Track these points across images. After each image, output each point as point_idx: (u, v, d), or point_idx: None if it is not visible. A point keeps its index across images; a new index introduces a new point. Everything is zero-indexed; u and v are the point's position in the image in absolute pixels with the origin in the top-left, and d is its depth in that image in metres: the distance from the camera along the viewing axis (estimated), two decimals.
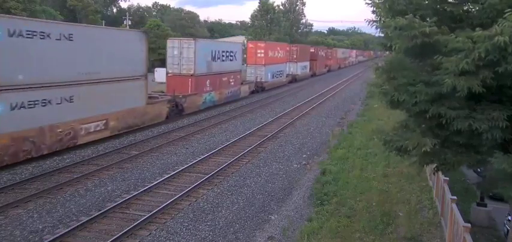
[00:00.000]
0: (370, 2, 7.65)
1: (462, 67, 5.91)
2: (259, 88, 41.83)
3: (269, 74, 43.79)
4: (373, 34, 8.57)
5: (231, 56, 33.44)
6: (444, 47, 6.34)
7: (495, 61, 5.85)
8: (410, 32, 6.37)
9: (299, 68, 56.56)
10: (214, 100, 30.58)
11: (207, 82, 29.23)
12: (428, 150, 6.64)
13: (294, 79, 53.75)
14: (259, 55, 42.32)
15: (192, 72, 27.42)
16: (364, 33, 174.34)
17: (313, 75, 65.11)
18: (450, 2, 7.39)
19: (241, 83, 36.61)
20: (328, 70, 77.83)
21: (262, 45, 43.83)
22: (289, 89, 46.14)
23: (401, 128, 8.16)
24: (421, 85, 6.69)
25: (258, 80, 41.87)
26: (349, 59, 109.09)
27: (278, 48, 47.81)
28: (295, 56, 55.03)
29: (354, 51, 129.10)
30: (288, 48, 52.81)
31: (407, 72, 7.21)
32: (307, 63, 61.50)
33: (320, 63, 70.00)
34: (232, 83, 33.79)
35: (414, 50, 6.64)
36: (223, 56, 31.64)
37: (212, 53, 29.88)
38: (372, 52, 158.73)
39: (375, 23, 7.60)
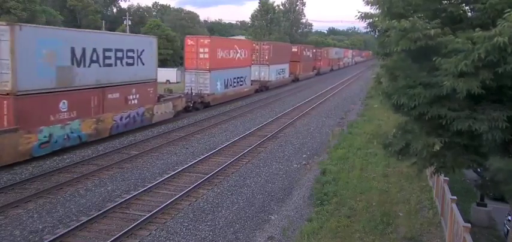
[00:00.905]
0: (362, 15, 7.66)
1: (461, 69, 5.90)
2: (198, 105, 29.57)
3: (218, 83, 31.74)
4: (372, 34, 8.57)
5: (130, 56, 21.10)
6: (445, 48, 6.34)
7: (495, 62, 5.85)
8: (413, 34, 6.35)
9: (273, 72, 45.04)
10: (80, 134, 17.95)
11: (61, 105, 16.92)
12: (437, 149, 6.63)
13: (263, 88, 42.76)
14: (202, 56, 30.25)
15: (8, 87, 14.81)
16: (364, 33, 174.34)
17: (295, 80, 54.11)
18: (450, 2, 7.38)
19: (157, 99, 24.12)
20: (317, 74, 67.19)
21: (207, 41, 31.37)
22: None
23: (401, 131, 8.15)
24: (420, 88, 6.68)
25: (197, 92, 29.64)
26: (344, 59, 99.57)
27: (235, 47, 35.75)
28: (266, 57, 43.79)
29: (350, 50, 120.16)
30: (256, 47, 43.13)
31: (408, 71, 7.21)
32: (286, 66, 50.41)
33: (305, 65, 59.09)
34: (135, 101, 21.46)
35: (415, 52, 6.62)
36: (108, 56, 19.46)
37: (74, 50, 17.42)
38: (370, 52, 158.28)
39: (373, 28, 7.62)
